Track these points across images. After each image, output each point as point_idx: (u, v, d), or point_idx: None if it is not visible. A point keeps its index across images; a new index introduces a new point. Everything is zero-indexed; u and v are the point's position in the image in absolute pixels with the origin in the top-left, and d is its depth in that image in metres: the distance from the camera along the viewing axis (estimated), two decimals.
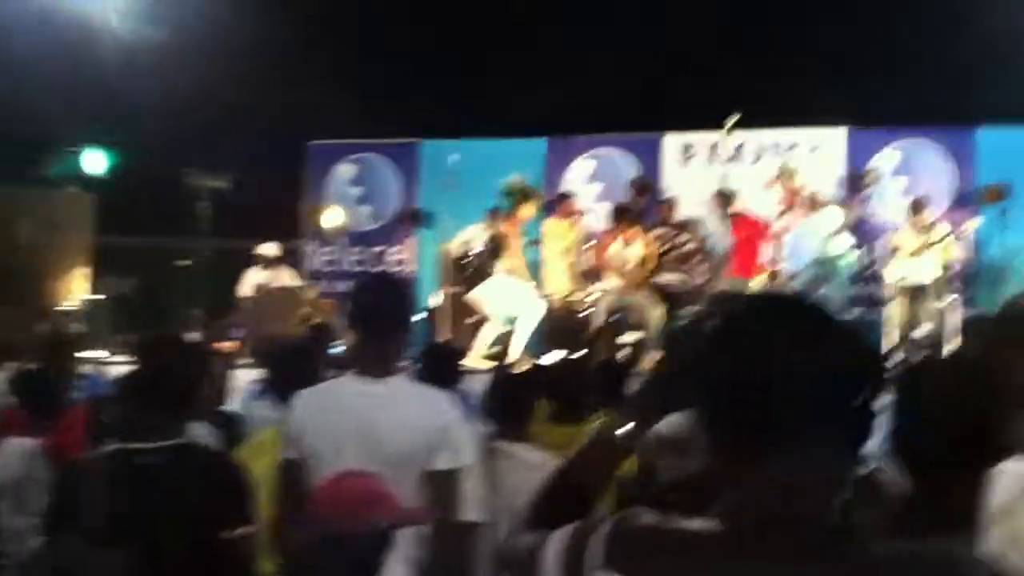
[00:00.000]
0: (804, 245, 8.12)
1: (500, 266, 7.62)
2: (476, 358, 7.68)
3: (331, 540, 2.22)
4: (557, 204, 9.76)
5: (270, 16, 10.83)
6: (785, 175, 8.32)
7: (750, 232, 8.47)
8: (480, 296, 7.68)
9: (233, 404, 4.68)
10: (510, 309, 7.55)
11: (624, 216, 9.07)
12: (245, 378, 5.39)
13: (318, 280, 11.28)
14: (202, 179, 9.95)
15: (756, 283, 8.24)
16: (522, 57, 11.28)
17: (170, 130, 11.00)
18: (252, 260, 9.93)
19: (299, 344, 4.38)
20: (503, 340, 7.79)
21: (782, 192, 8.49)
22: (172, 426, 2.58)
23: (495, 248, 7.56)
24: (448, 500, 2.47)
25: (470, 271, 7.91)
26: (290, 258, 10.81)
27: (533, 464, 3.06)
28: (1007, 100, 9.91)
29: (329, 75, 11.23)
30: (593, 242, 9.45)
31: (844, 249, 8.00)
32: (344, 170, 11.54)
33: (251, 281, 9.62)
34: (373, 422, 2.48)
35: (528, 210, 7.78)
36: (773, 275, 8.64)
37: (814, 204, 8.03)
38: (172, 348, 2.88)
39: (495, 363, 7.00)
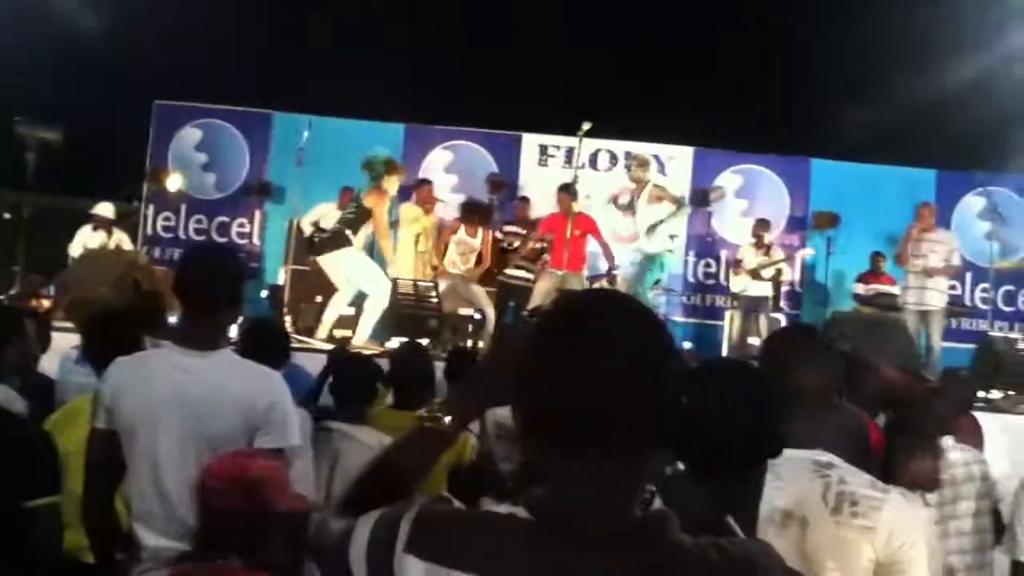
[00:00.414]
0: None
1: (359, 239, 7.44)
2: (322, 335, 7.50)
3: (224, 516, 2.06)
4: (414, 189, 9.66)
5: None
6: (637, 164, 8.57)
7: (586, 229, 8.69)
8: (333, 263, 7.45)
9: (50, 368, 4.36)
10: (360, 284, 7.38)
11: (472, 212, 9.13)
12: (67, 342, 5.03)
13: (154, 245, 10.73)
14: (33, 128, 9.23)
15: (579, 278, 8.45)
16: (391, 40, 11.09)
17: (4, 74, 10.13)
18: (86, 219, 9.31)
19: (122, 310, 4.09)
20: (349, 321, 7.63)
21: (632, 182, 8.70)
22: None
23: (358, 219, 7.38)
24: None
25: (326, 237, 7.67)
26: (126, 221, 10.24)
27: (372, 447, 3.00)
28: (840, 136, 10.64)
29: (185, 32, 10.64)
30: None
31: (666, 245, 8.25)
32: (190, 133, 10.98)
33: (81, 241, 9.03)
34: (192, 397, 2.33)
35: (393, 184, 7.62)
36: (612, 276, 8.97)
37: (659, 199, 8.28)
38: None
39: (339, 342, 6.83)
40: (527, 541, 1.09)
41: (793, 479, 1.79)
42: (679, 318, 10.58)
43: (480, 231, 9.12)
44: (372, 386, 3.65)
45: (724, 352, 9.18)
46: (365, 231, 7.54)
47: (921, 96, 10.39)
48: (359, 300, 7.59)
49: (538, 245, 9.00)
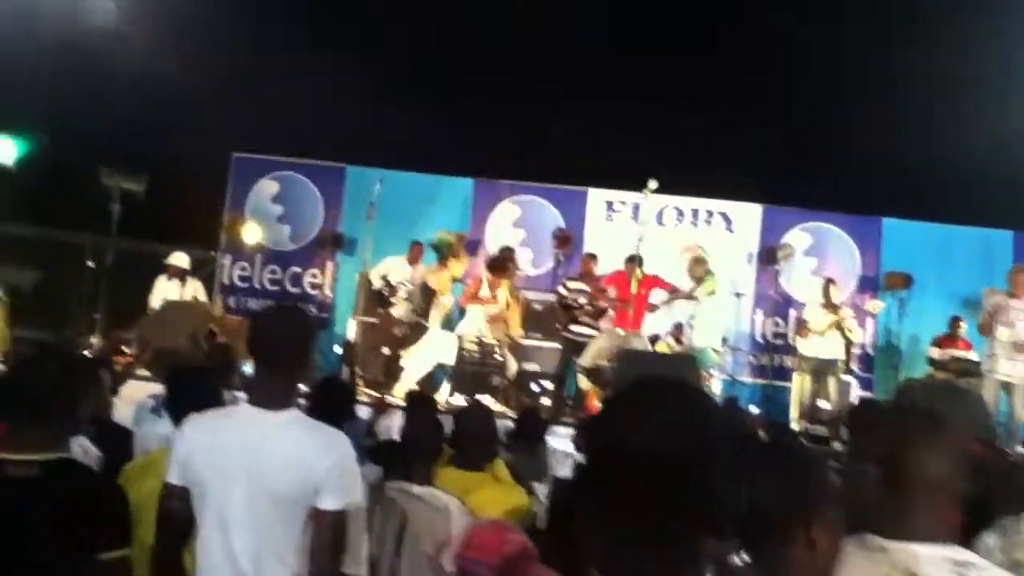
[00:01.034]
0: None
1: (433, 320, 7.70)
2: (400, 392, 7.63)
3: None
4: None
5: (212, 15, 10.58)
6: (695, 265, 8.71)
7: (651, 286, 8.73)
8: (419, 354, 7.73)
9: (127, 419, 4.50)
10: (439, 358, 7.59)
11: (496, 265, 9.11)
12: (144, 391, 5.20)
13: (230, 295, 11.06)
14: (117, 177, 9.64)
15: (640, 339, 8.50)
16: (459, 98, 11.34)
17: (90, 122, 10.63)
18: (162, 269, 9.64)
19: (203, 363, 4.23)
20: (425, 380, 7.79)
21: (689, 277, 8.83)
22: (49, 438, 2.45)
23: (425, 301, 7.65)
24: (331, 542, 2.41)
25: (407, 334, 7.97)
26: (202, 270, 10.57)
27: (439, 508, 3.02)
28: (912, 194, 10.45)
29: (265, 88, 11.06)
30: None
31: (711, 344, 8.54)
32: (267, 186, 11.37)
33: (160, 291, 9.33)
34: (261, 455, 2.41)
35: (457, 267, 7.86)
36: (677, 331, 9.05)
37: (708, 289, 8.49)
38: (51, 356, 2.75)
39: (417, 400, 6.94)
40: None
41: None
42: (746, 378, 10.43)
43: (498, 284, 9.01)
44: (439, 445, 3.67)
45: (792, 415, 8.99)
46: (436, 311, 7.73)
47: (999, 153, 10.18)
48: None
49: (603, 304, 9.01)
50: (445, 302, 7.88)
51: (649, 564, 1.13)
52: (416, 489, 3.16)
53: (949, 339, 9.23)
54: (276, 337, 2.56)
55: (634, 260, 8.66)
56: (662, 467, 1.12)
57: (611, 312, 9.55)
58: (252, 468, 2.39)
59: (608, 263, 9.97)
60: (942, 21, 9.96)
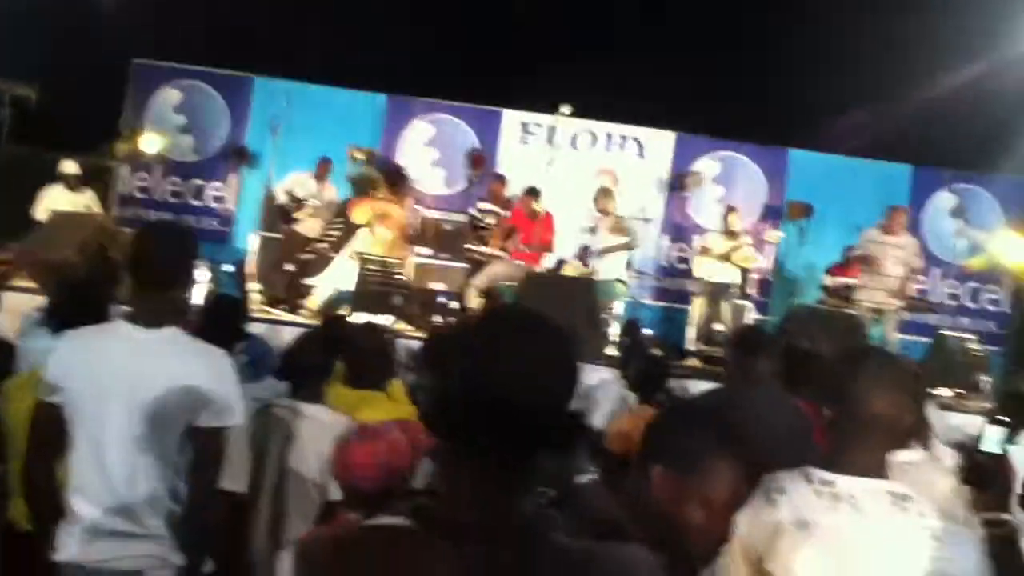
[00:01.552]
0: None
1: (346, 251, 7.58)
2: (309, 310, 7.57)
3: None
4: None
5: None
6: (602, 196, 8.78)
7: (547, 229, 8.84)
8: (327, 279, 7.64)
9: (8, 330, 4.36)
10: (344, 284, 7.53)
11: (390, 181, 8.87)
12: (28, 303, 5.03)
13: (128, 206, 10.67)
14: (7, 83, 9.12)
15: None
16: (371, 10, 10.99)
17: None
18: (54, 177, 9.20)
19: (87, 277, 4.10)
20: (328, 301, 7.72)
21: (595, 210, 8.92)
22: None
23: (346, 235, 7.52)
24: (208, 459, 2.41)
25: (312, 260, 7.83)
26: (98, 180, 10.14)
27: (326, 425, 3.03)
28: (817, 126, 10.68)
29: None
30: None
31: (618, 275, 8.57)
32: (169, 94, 10.86)
33: (48, 200, 8.92)
34: (137, 373, 2.37)
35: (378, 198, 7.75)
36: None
37: (617, 229, 8.55)
38: None
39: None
40: (406, 547, 1.15)
41: (873, 512, 1.78)
42: (649, 301, 10.67)
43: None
44: (329, 363, 3.66)
45: (688, 337, 9.24)
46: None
47: (901, 92, 10.45)
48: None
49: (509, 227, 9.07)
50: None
51: (489, 484, 1.16)
52: (303, 407, 3.17)
53: (842, 267, 9.59)
54: (153, 253, 2.50)
55: (532, 193, 8.70)
56: (498, 392, 1.15)
57: (517, 234, 9.63)
58: (128, 386, 2.36)
59: (520, 185, 9.99)
60: None
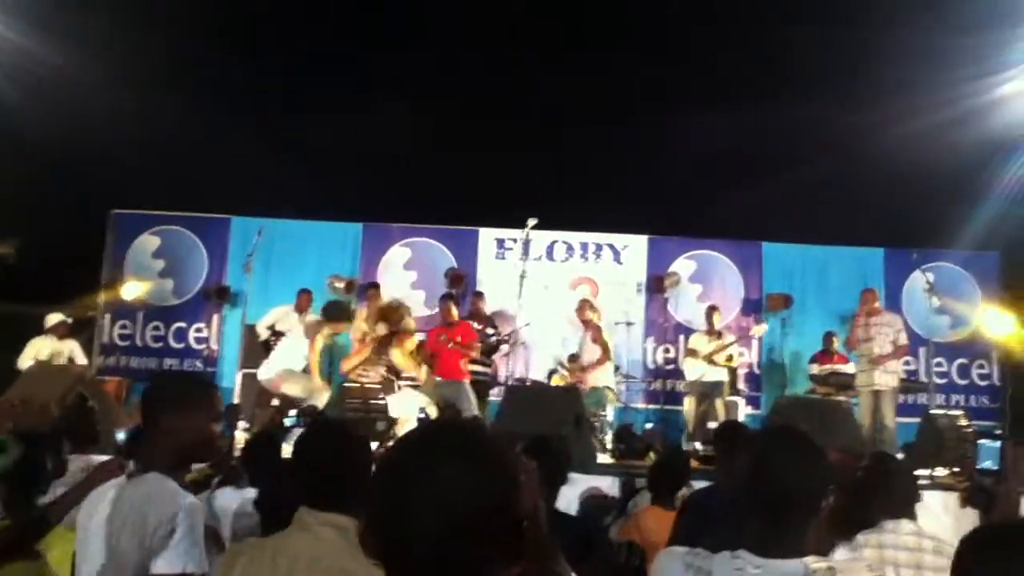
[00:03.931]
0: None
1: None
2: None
3: None
4: (364, 292, 9.78)
5: (79, 70, 10.26)
6: (584, 307, 8.97)
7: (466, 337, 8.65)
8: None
9: None
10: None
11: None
12: None
13: (111, 354, 10.66)
14: None
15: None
16: (342, 143, 11.32)
17: None
18: (39, 330, 9.22)
19: (52, 427, 4.06)
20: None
21: (578, 319, 9.06)
22: None
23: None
24: None
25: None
26: (82, 332, 10.16)
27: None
28: (789, 218, 10.89)
29: (140, 143, 10.80)
30: None
31: (606, 382, 8.66)
32: (147, 241, 11.02)
33: (33, 350, 8.92)
34: (111, 519, 2.35)
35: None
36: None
37: (600, 339, 8.68)
38: None
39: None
40: None
41: None
42: (641, 404, 10.60)
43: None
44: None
45: (685, 438, 9.16)
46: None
47: (867, 175, 10.71)
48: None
49: (494, 340, 9.09)
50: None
51: None
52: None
53: (825, 355, 9.61)
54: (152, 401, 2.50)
55: (449, 297, 8.69)
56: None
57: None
58: (107, 534, 2.33)
59: (503, 300, 10.08)
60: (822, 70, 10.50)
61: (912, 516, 3.88)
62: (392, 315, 7.13)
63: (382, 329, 7.07)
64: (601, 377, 8.61)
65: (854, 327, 8.82)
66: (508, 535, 1.15)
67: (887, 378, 8.28)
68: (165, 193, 10.98)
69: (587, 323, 8.85)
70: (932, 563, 3.75)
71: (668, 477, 4.43)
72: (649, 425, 9.80)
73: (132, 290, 10.48)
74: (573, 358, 9.38)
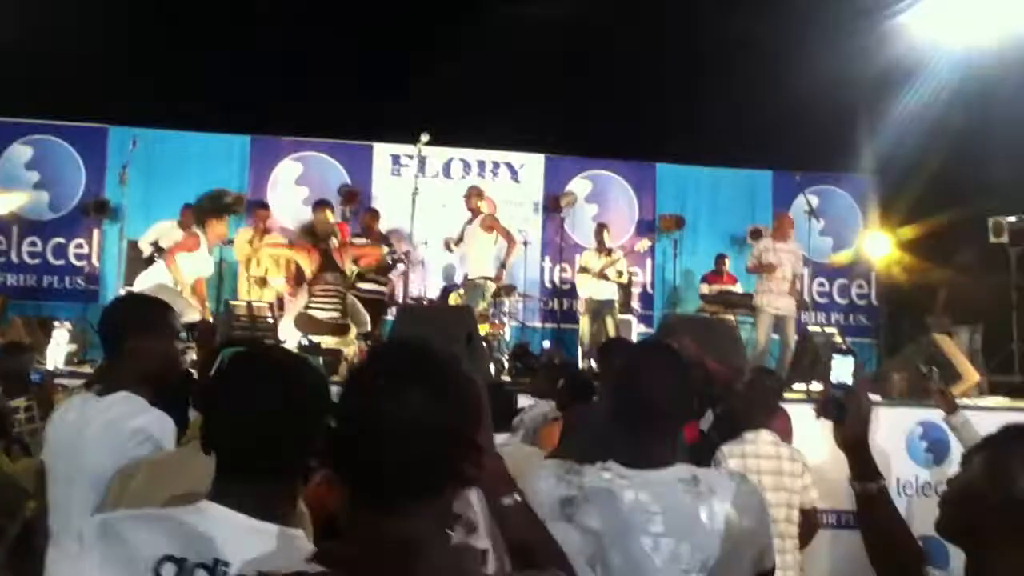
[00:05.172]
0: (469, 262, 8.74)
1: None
2: None
3: None
4: (252, 211, 9.49)
5: None
6: (473, 195, 8.90)
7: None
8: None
9: None
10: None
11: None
12: None
13: None
14: None
15: None
16: (234, 53, 10.75)
17: None
18: None
19: None
20: None
21: (467, 208, 8.95)
22: None
23: None
24: None
25: None
26: None
27: None
28: (683, 138, 10.99)
29: (14, 47, 10.03)
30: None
31: (488, 274, 8.57)
32: (19, 151, 10.33)
33: None
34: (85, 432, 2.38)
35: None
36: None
37: (489, 228, 8.58)
38: None
39: None
40: None
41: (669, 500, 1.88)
42: (538, 323, 10.72)
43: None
44: None
45: (579, 356, 9.33)
46: None
47: (757, 98, 10.85)
48: None
49: (390, 259, 8.98)
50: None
51: (396, 525, 1.18)
52: None
53: (716, 275, 9.87)
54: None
55: (323, 204, 8.57)
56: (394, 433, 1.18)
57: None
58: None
59: (396, 219, 9.91)
60: None
61: (768, 427, 4.11)
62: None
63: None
64: (480, 268, 8.58)
65: (762, 250, 8.83)
66: (469, 463, 1.22)
67: (788, 302, 8.55)
68: (36, 99, 10.26)
69: (475, 211, 8.78)
70: (789, 469, 4.02)
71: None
72: (547, 343, 9.95)
73: (6, 202, 9.88)
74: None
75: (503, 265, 8.70)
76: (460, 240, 8.95)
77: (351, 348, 7.13)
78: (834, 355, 2.13)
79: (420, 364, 1.22)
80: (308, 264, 7.45)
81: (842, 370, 2.09)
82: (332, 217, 7.94)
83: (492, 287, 8.53)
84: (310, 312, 7.23)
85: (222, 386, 1.57)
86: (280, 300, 8.41)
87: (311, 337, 6.92)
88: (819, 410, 1.91)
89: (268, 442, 1.44)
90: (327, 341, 7.10)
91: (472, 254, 8.69)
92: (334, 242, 7.50)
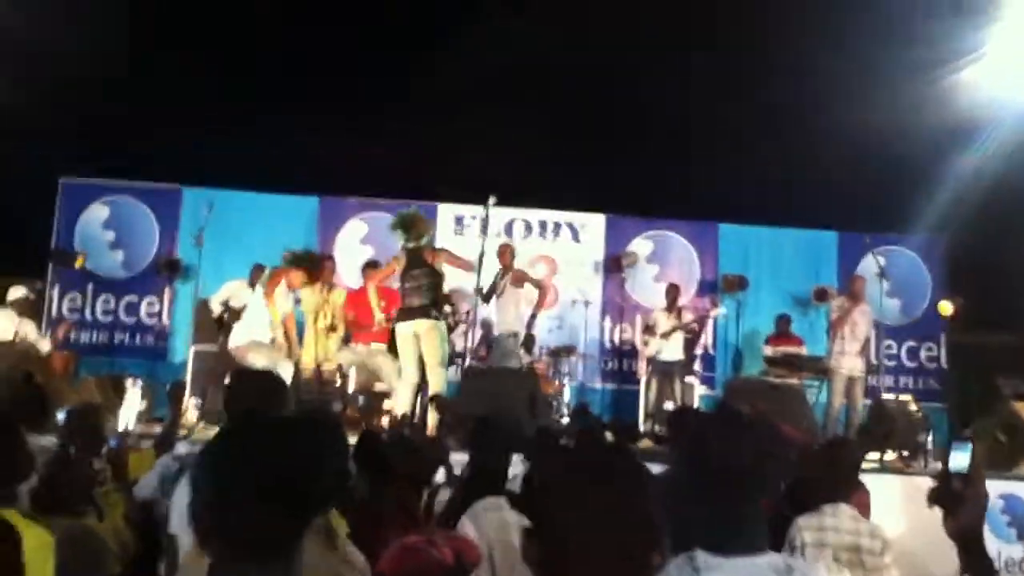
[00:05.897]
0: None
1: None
2: None
3: None
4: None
5: (29, 34, 9.87)
6: (507, 251, 8.97)
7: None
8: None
9: None
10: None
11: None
12: None
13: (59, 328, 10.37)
14: None
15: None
16: (301, 115, 11.09)
17: None
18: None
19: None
20: None
21: (499, 264, 8.98)
22: None
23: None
24: None
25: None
26: (31, 303, 9.85)
27: None
28: (745, 200, 10.97)
29: (92, 108, 10.48)
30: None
31: (522, 326, 8.62)
32: (97, 211, 10.72)
33: None
34: None
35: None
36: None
37: (519, 281, 8.65)
38: None
39: None
40: None
41: None
42: (597, 384, 10.65)
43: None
44: None
45: (641, 417, 9.23)
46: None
47: (822, 159, 10.79)
48: None
49: (451, 321, 9.03)
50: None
51: None
52: None
53: (780, 337, 9.72)
54: None
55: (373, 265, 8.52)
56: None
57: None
58: None
59: (456, 278, 9.96)
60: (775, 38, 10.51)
61: (848, 500, 3.98)
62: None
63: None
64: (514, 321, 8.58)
65: (842, 312, 8.74)
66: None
67: (860, 364, 8.46)
68: (115, 162, 10.68)
69: (506, 267, 8.80)
70: (868, 546, 3.87)
71: None
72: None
73: (81, 262, 10.20)
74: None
75: (533, 315, 8.75)
76: (491, 295, 8.92)
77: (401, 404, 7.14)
78: (953, 443, 2.00)
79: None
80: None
81: (960, 457, 1.96)
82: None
83: (521, 337, 8.59)
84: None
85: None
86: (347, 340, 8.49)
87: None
88: (934, 498, 1.82)
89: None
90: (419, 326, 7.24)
91: (501, 309, 8.74)
92: None
